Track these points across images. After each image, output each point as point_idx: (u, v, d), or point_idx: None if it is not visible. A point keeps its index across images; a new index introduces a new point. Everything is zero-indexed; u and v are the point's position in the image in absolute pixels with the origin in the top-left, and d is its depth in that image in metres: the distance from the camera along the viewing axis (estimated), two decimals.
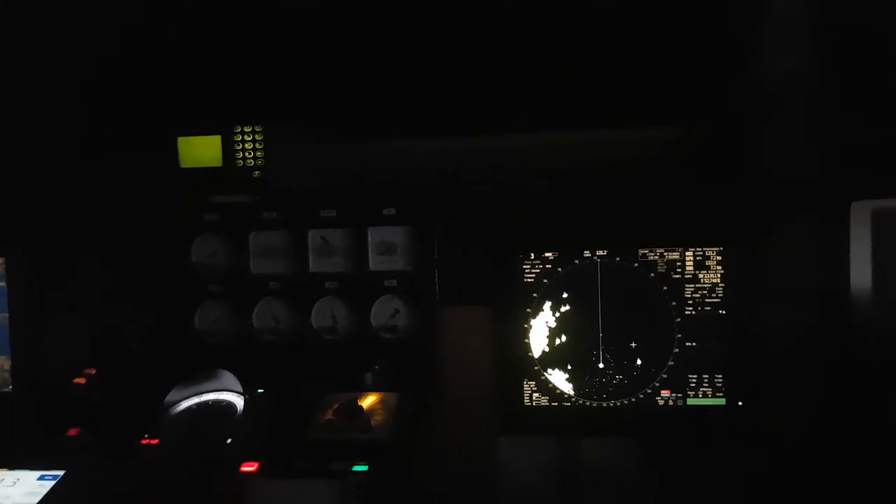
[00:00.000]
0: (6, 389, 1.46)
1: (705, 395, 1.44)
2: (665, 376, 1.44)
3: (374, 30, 1.58)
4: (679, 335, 1.43)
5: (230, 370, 1.37)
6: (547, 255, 1.46)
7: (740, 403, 1.43)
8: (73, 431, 1.33)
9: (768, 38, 1.38)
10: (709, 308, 1.43)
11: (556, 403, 1.47)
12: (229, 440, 1.27)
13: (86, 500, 1.21)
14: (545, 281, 1.46)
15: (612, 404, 1.46)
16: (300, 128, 1.57)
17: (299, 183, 1.56)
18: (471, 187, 1.54)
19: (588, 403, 1.46)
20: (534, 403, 1.47)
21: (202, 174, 1.53)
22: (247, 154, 1.51)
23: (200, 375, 1.37)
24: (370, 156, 1.62)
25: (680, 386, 1.44)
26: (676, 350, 1.44)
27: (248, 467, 1.21)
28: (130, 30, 1.57)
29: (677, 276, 1.43)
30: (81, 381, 1.44)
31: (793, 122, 1.39)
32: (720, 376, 1.43)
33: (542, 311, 1.47)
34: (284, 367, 1.47)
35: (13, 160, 1.52)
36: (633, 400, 1.45)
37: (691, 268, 1.43)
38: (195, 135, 1.52)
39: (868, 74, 1.37)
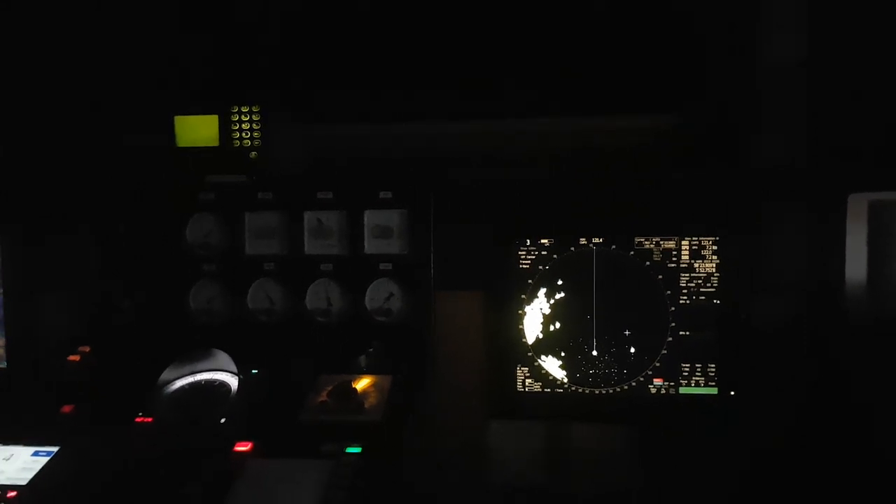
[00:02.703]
0: (1, 366, 1.49)
1: (698, 384, 1.47)
2: (658, 365, 1.48)
3: (373, 12, 1.59)
4: (673, 324, 1.47)
5: (224, 350, 1.40)
6: (543, 241, 1.49)
7: (732, 393, 1.46)
8: (67, 408, 1.36)
9: (766, 28, 1.39)
10: (703, 297, 1.46)
11: (548, 390, 1.50)
12: (223, 420, 1.30)
13: (79, 476, 1.23)
14: (540, 267, 1.49)
15: (604, 392, 1.49)
16: (298, 108, 1.59)
17: (296, 164, 1.58)
18: (468, 172, 1.56)
19: (581, 390, 1.50)
20: (527, 389, 1.51)
21: (198, 153, 1.54)
22: (244, 134, 1.53)
23: (195, 355, 1.40)
24: (367, 139, 1.64)
25: (672, 374, 1.47)
26: (670, 339, 1.47)
27: (242, 447, 1.24)
28: (130, 8, 1.58)
29: (673, 265, 1.46)
30: (76, 358, 1.47)
31: (790, 113, 1.41)
32: (713, 366, 1.47)
33: (537, 297, 1.49)
34: (278, 348, 1.50)
35: (9, 138, 1.53)
36: (626, 388, 1.49)
37: (687, 257, 1.46)
38: (192, 114, 1.54)
39: (865, 67, 1.38)
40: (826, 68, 1.40)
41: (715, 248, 1.45)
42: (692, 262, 1.46)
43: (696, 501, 1.43)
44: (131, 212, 1.57)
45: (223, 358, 1.39)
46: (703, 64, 1.54)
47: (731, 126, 1.49)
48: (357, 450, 1.22)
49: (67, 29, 1.57)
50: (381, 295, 1.52)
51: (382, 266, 1.51)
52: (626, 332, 1.48)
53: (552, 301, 1.49)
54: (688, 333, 1.47)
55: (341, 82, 1.64)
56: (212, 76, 1.63)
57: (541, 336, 1.50)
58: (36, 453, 1.27)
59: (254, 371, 1.41)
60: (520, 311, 1.50)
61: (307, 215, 1.53)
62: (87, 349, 1.49)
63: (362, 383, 1.38)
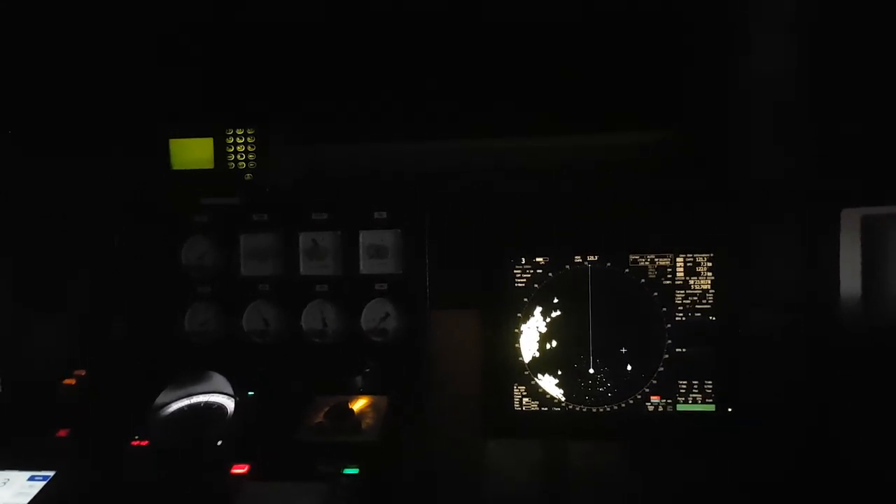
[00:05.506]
0: None
1: (695, 401, 1.51)
2: (655, 382, 1.52)
3: (367, 35, 1.65)
4: (669, 341, 1.51)
5: (219, 372, 1.44)
6: (538, 260, 1.54)
7: (730, 410, 1.50)
8: (62, 432, 1.40)
9: (758, 47, 1.45)
10: (699, 314, 1.51)
11: (545, 408, 1.55)
12: (220, 442, 1.34)
13: (76, 501, 1.26)
14: (536, 286, 1.54)
15: (601, 410, 1.53)
16: (292, 130, 1.64)
17: (290, 185, 1.63)
18: (463, 190, 1.61)
19: (578, 409, 1.54)
20: (524, 408, 1.55)
21: (194, 176, 1.59)
22: (238, 156, 1.58)
23: (191, 377, 1.43)
24: (362, 159, 1.69)
25: (670, 392, 1.52)
26: (666, 356, 1.51)
27: (239, 469, 1.28)
28: (125, 32, 1.64)
29: (668, 281, 1.51)
30: (71, 382, 1.51)
31: (784, 129, 1.46)
32: (710, 382, 1.51)
33: (533, 316, 1.54)
34: (274, 370, 1.54)
35: (3, 161, 1.58)
36: (623, 405, 1.53)
37: (682, 274, 1.51)
38: (187, 137, 1.59)
39: (859, 82, 1.43)
40: (817, 84, 1.45)
41: (710, 264, 1.50)
42: (687, 278, 1.51)
43: None
44: (127, 234, 1.62)
45: (219, 380, 1.43)
46: (695, 80, 1.59)
47: (724, 142, 1.55)
48: (354, 471, 1.25)
49: (58, 43, 1.62)
50: (376, 315, 1.56)
51: (378, 286, 1.56)
52: (623, 350, 1.52)
53: (548, 319, 1.54)
54: (684, 350, 1.51)
55: (336, 103, 1.70)
56: (207, 98, 1.68)
57: (537, 354, 1.54)
58: (32, 478, 1.30)
59: (250, 393, 1.45)
60: (516, 330, 1.55)
61: (302, 236, 1.58)
62: (83, 373, 1.53)
63: (359, 404, 1.42)
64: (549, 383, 1.54)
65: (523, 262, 1.54)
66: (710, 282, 1.50)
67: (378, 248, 1.56)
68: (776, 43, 1.45)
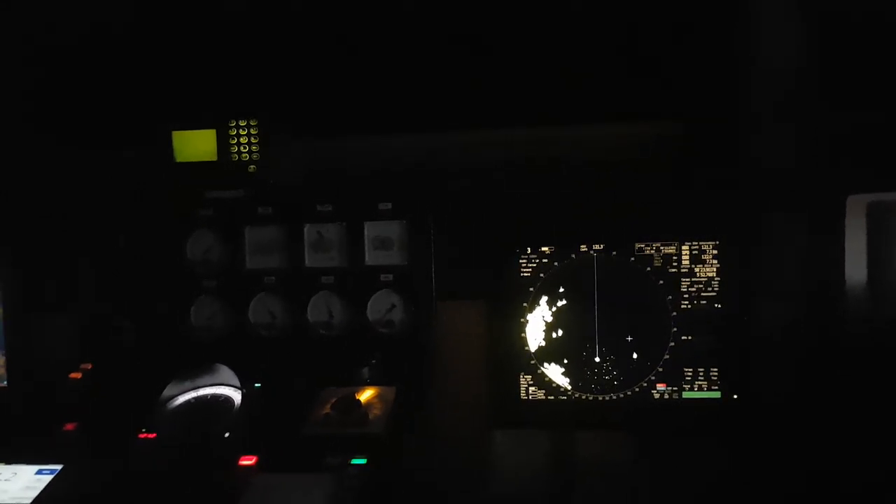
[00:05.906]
0: (2, 385, 1.53)
1: (701, 389, 1.52)
2: (661, 370, 1.52)
3: (371, 25, 1.65)
4: (675, 329, 1.52)
5: (226, 365, 1.44)
6: (543, 249, 1.54)
7: (735, 397, 1.51)
8: (69, 426, 1.41)
9: (764, 33, 1.45)
10: (705, 302, 1.51)
11: (552, 397, 1.55)
12: (227, 434, 1.34)
13: (83, 494, 1.27)
14: (541, 275, 1.54)
15: (608, 398, 1.54)
16: (296, 122, 1.64)
17: (295, 177, 1.63)
18: (467, 182, 1.61)
19: (584, 397, 1.54)
20: (530, 397, 1.56)
21: (197, 168, 1.59)
22: (242, 148, 1.58)
23: (197, 370, 1.44)
24: (366, 151, 1.69)
25: (676, 379, 1.52)
26: (672, 344, 1.52)
27: (246, 461, 1.28)
28: (126, 23, 1.64)
29: (673, 270, 1.51)
30: (77, 375, 1.51)
31: (789, 117, 1.47)
32: (715, 370, 1.52)
33: (539, 305, 1.54)
34: (281, 362, 1.55)
35: (5, 156, 1.58)
36: (629, 393, 1.53)
37: (687, 262, 1.51)
38: (190, 129, 1.59)
39: (863, 69, 1.43)
40: (822, 72, 1.45)
41: (715, 252, 1.51)
42: (693, 266, 1.51)
43: None
44: (130, 229, 1.62)
45: (226, 372, 1.44)
46: (699, 71, 1.59)
47: (729, 132, 1.55)
48: (363, 461, 1.26)
49: (60, 39, 1.62)
50: (382, 306, 1.57)
51: (383, 277, 1.56)
52: (629, 338, 1.53)
53: (554, 308, 1.54)
54: (690, 338, 1.51)
55: (339, 94, 1.69)
56: (209, 90, 1.68)
57: (543, 344, 1.55)
58: (39, 472, 1.31)
59: (257, 385, 1.46)
60: (522, 319, 1.55)
61: (307, 228, 1.58)
62: (90, 366, 1.53)
63: (366, 395, 1.42)
64: (555, 372, 1.55)
65: (529, 251, 1.54)
66: (715, 270, 1.51)
67: (383, 240, 1.57)
68: (783, 27, 1.44)
